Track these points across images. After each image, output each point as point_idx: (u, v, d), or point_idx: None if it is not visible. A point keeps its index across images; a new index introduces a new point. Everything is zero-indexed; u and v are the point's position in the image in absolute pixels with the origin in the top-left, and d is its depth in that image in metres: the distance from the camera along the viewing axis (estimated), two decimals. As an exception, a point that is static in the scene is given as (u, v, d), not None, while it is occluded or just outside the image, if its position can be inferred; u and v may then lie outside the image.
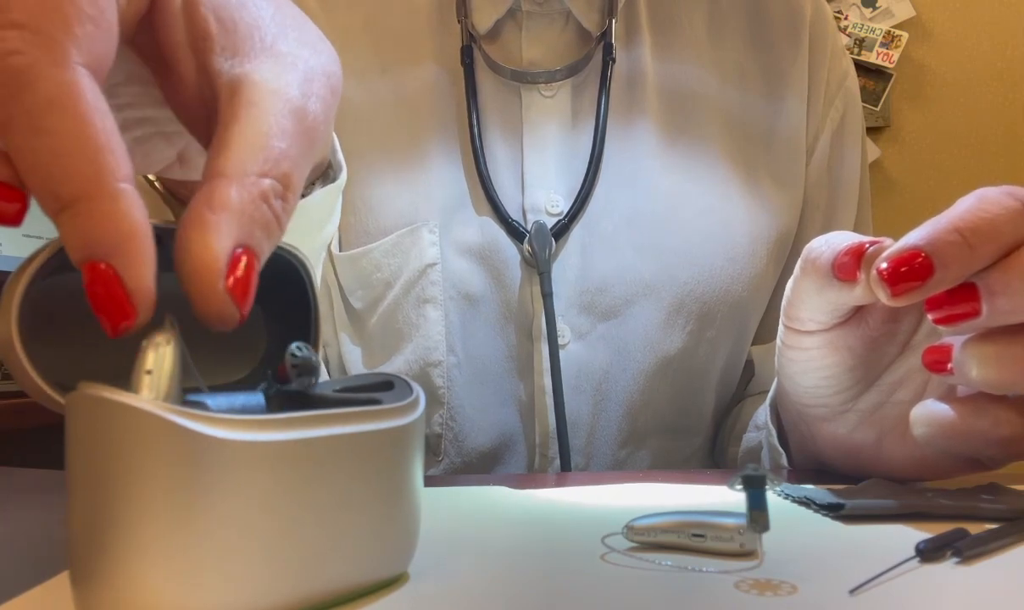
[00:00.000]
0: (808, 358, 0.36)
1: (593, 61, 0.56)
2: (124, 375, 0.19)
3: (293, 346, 0.23)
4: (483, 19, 0.56)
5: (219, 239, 0.19)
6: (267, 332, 0.28)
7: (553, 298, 0.51)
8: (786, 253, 0.59)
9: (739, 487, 0.23)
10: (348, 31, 0.59)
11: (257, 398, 0.23)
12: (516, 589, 0.22)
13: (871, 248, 0.31)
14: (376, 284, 0.54)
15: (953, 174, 2.02)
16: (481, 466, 0.54)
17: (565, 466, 0.50)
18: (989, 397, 0.31)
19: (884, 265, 0.29)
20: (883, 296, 0.29)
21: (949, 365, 0.30)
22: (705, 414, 0.58)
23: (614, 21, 0.55)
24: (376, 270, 0.53)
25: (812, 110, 0.60)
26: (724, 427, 0.60)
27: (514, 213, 0.53)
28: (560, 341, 0.52)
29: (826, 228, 0.58)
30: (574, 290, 0.53)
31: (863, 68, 2.06)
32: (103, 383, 0.18)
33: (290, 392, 0.24)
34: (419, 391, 0.23)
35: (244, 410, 0.22)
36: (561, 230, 0.53)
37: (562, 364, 0.51)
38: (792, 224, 0.59)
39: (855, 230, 0.59)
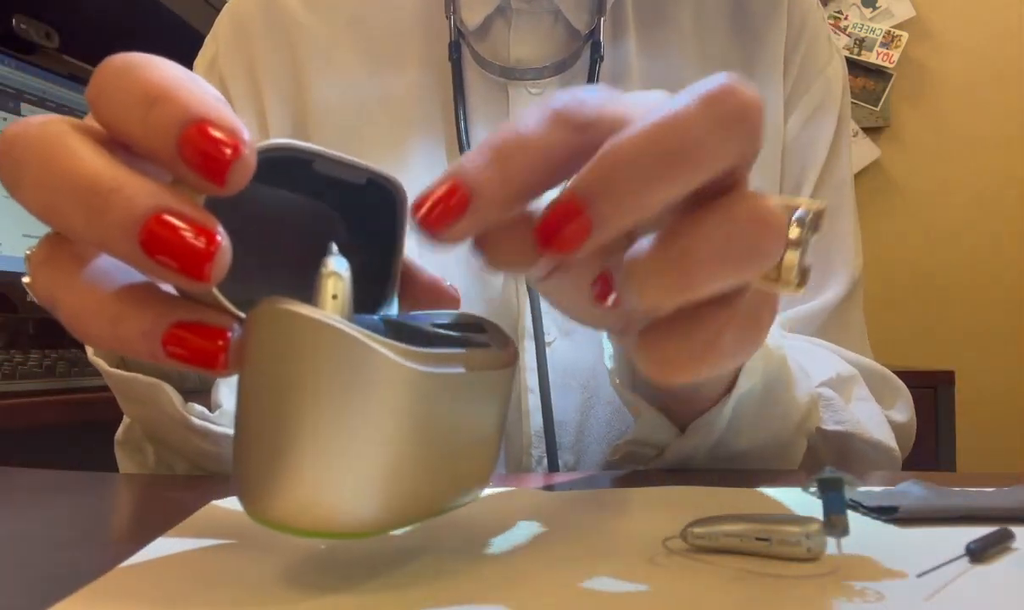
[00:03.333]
0: (555, 303, 0.33)
1: (581, 59, 0.56)
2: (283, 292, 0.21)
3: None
4: (472, 16, 0.56)
5: None
6: (351, 256, 0.28)
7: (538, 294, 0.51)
8: None
9: (814, 490, 0.22)
10: (332, 32, 0.58)
11: (376, 321, 0.26)
12: (579, 592, 0.21)
13: None
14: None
15: (953, 174, 2.02)
16: None
17: (552, 466, 0.50)
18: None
19: (424, 206, 0.24)
20: (430, 241, 0.24)
21: (611, 298, 0.26)
22: None
23: (603, 19, 0.55)
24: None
25: (785, 90, 0.60)
26: None
27: None
28: (546, 339, 0.52)
29: None
30: None
31: (863, 68, 2.06)
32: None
33: (397, 321, 0.26)
34: (510, 334, 0.27)
35: (376, 332, 0.24)
36: None
37: (549, 362, 0.51)
38: None
39: (832, 224, 0.58)
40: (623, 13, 0.59)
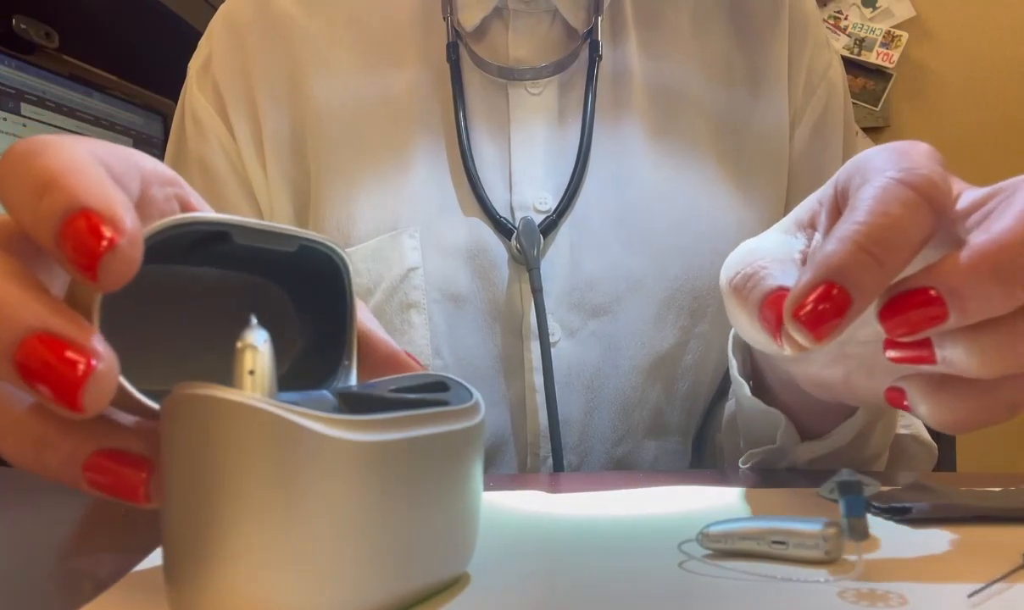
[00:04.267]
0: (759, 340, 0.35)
1: (580, 58, 0.56)
2: (189, 376, 0.19)
3: None
4: (469, 17, 0.56)
5: None
6: (300, 330, 0.28)
7: (543, 294, 0.51)
8: None
9: (832, 493, 0.22)
10: (329, 33, 0.58)
11: (325, 396, 0.24)
12: (592, 596, 0.21)
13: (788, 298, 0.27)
14: (356, 290, 0.53)
15: (953, 174, 2.02)
16: None
17: (557, 465, 0.50)
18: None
19: (803, 309, 0.25)
20: (806, 342, 0.26)
21: (905, 402, 0.28)
22: (700, 411, 0.57)
23: (600, 18, 0.55)
24: (355, 275, 0.53)
25: (792, 97, 0.60)
26: (713, 420, 0.59)
27: (502, 211, 0.53)
28: (550, 339, 0.52)
29: None
30: (563, 287, 0.53)
31: (863, 68, 2.06)
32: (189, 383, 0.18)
33: (354, 392, 0.24)
34: (476, 391, 0.24)
35: (322, 409, 0.23)
36: (549, 226, 0.53)
37: (553, 362, 0.51)
38: (778, 214, 0.59)
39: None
40: (621, 13, 0.58)
